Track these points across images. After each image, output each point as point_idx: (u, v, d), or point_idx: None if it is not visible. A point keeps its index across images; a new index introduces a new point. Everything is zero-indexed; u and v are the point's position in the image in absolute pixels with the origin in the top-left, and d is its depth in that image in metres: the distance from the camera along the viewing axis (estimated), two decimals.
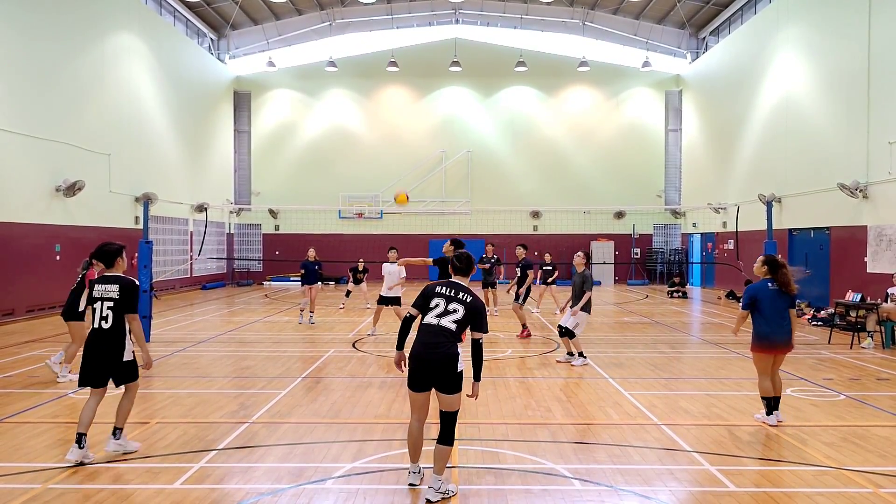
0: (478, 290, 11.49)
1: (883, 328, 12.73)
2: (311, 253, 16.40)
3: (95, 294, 6.25)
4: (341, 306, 19.81)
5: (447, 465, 5.40)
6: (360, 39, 31.94)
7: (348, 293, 20.07)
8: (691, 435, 6.96)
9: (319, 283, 16.17)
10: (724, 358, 11.68)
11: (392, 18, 31.34)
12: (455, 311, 5.29)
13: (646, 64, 29.82)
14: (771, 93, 22.36)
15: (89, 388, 6.21)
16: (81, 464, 5.96)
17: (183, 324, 16.21)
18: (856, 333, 13.19)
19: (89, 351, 6.19)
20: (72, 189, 18.05)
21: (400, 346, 5.61)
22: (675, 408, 8.10)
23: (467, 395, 5.42)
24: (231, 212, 31.04)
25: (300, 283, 16.61)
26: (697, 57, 30.35)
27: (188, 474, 5.77)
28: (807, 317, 17.23)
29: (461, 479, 5.67)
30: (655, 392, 8.97)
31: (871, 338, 12.94)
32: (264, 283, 30.66)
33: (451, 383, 5.21)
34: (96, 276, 6.60)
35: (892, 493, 5.41)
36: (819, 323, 16.23)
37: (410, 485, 5.46)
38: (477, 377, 5.40)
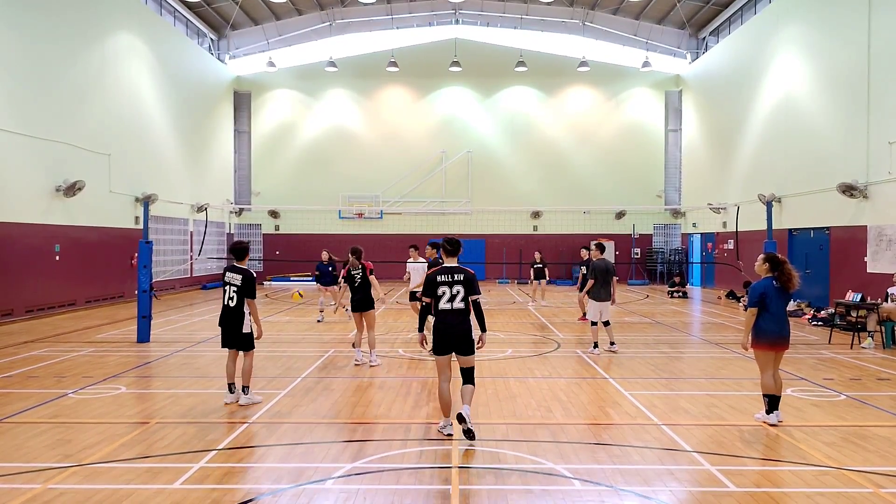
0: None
1: (883, 328, 12.72)
2: (325, 255, 16.56)
3: (226, 279, 8.03)
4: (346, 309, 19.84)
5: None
6: (360, 39, 31.94)
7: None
8: (691, 435, 6.96)
9: (335, 283, 16.26)
10: (724, 358, 11.67)
11: (392, 18, 31.33)
12: (458, 292, 6.69)
13: (646, 64, 29.82)
14: (771, 93, 22.34)
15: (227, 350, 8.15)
16: (233, 403, 7.99)
17: (183, 324, 16.21)
18: (856, 333, 13.18)
19: (222, 323, 8.06)
20: (72, 189, 18.04)
21: (421, 329, 7.18)
22: (675, 408, 8.10)
23: (476, 347, 6.77)
24: (231, 212, 31.02)
25: (315, 283, 17.46)
26: (697, 57, 30.33)
27: (188, 474, 5.77)
28: (807, 317, 17.23)
29: (461, 479, 5.68)
30: (655, 392, 8.97)
31: (872, 338, 12.92)
32: (265, 283, 30.63)
33: (468, 348, 6.74)
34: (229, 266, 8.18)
35: (893, 493, 5.40)
36: (819, 323, 16.21)
37: (448, 435, 6.70)
38: (483, 329, 6.87)
